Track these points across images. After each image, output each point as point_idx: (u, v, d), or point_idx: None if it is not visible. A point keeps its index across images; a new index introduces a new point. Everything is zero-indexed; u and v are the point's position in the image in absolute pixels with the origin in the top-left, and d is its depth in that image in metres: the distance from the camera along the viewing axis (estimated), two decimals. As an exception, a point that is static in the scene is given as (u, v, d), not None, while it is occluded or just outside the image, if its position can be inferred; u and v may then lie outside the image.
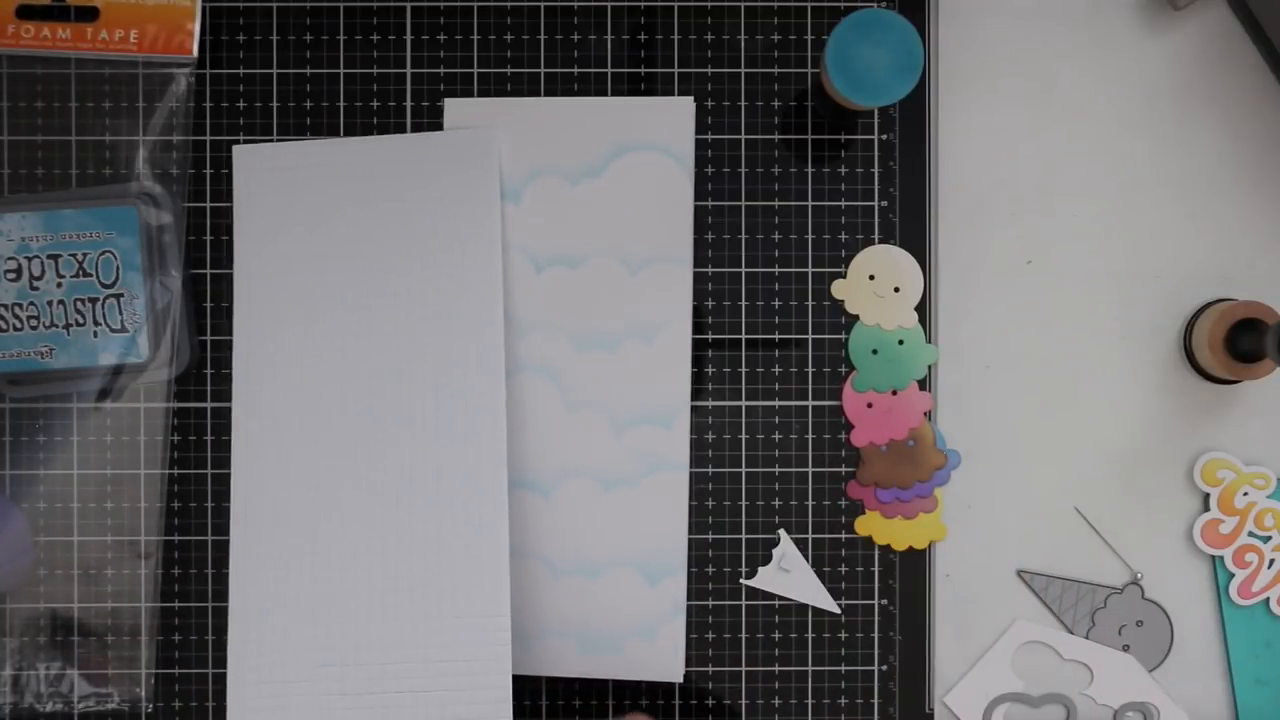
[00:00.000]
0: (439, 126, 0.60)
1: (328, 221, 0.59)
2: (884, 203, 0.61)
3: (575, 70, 0.61)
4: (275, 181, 0.59)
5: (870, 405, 0.60)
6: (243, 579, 0.58)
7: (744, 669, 0.61)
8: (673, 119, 0.60)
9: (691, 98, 0.60)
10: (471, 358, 0.58)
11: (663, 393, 0.60)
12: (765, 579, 0.60)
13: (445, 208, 0.59)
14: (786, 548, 0.60)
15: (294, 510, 0.58)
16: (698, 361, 0.61)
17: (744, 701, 0.61)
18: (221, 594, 0.60)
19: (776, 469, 0.61)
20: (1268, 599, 0.61)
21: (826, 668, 0.61)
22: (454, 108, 0.60)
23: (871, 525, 0.60)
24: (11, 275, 0.58)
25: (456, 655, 0.57)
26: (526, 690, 0.60)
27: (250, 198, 0.59)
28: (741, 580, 0.60)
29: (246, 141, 0.60)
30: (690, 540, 0.60)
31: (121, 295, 0.58)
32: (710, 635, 0.61)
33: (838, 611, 0.60)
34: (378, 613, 0.58)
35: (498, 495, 0.58)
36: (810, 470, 0.61)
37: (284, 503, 0.58)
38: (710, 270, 0.61)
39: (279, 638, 0.58)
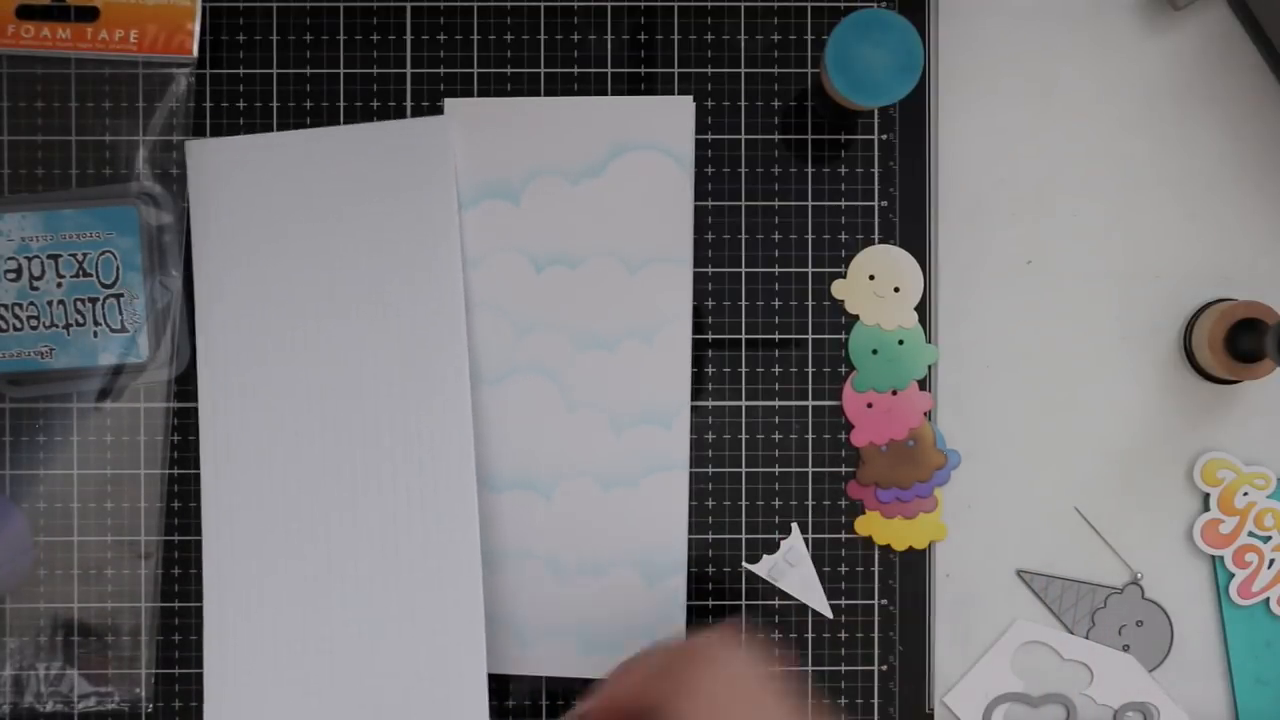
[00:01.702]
0: (439, 126, 0.60)
1: (284, 214, 0.59)
2: (884, 203, 0.61)
3: (575, 70, 0.61)
4: (230, 175, 0.59)
5: (870, 405, 0.60)
6: (217, 582, 0.58)
7: (744, 669, 0.61)
8: (673, 119, 0.60)
9: (691, 97, 0.60)
10: (433, 343, 0.58)
11: (663, 393, 0.60)
12: (765, 567, 0.60)
13: (401, 195, 0.59)
14: (795, 542, 0.60)
15: (264, 510, 0.58)
16: (698, 361, 0.61)
17: (744, 701, 0.61)
18: (221, 594, 0.60)
19: (776, 469, 0.61)
20: (1268, 599, 0.61)
21: (826, 668, 0.61)
22: (454, 108, 0.60)
23: (871, 525, 0.60)
24: (11, 275, 0.58)
25: (431, 657, 0.57)
26: (526, 690, 0.60)
27: (205, 192, 0.59)
28: (742, 564, 0.60)
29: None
30: (690, 540, 0.60)
31: (121, 295, 0.58)
32: (710, 635, 0.61)
33: (830, 615, 0.60)
34: (351, 613, 0.58)
35: (466, 490, 0.58)
36: (810, 470, 0.61)
37: (254, 503, 0.59)
38: (710, 270, 0.61)
39: (254, 641, 0.58)
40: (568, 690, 0.60)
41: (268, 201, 0.59)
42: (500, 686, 0.60)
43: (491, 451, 0.60)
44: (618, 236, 0.60)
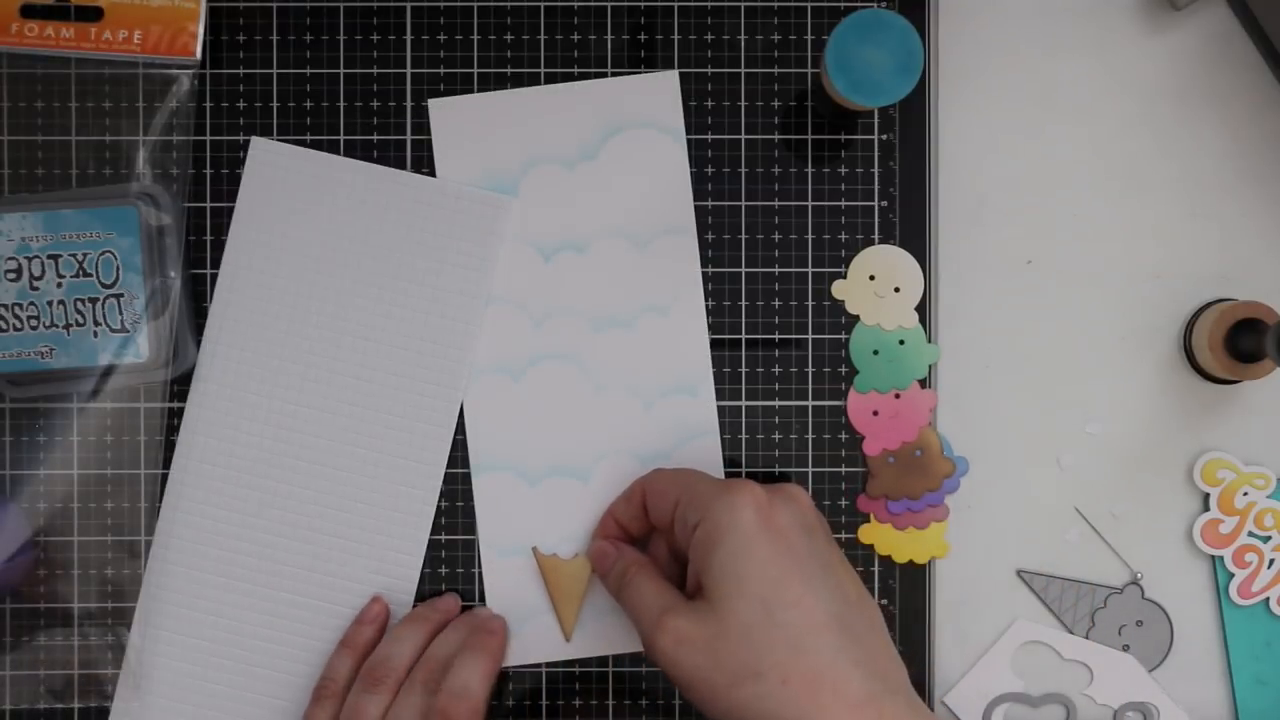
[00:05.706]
0: (439, 126, 0.61)
1: (324, 235, 0.60)
2: (884, 203, 0.61)
3: (575, 70, 0.61)
4: (283, 182, 0.60)
5: (876, 413, 0.60)
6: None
7: (744, 669, 0.60)
8: (660, 92, 0.60)
9: (676, 71, 0.60)
10: (442, 343, 0.60)
11: (685, 362, 0.60)
12: None
13: (441, 260, 0.60)
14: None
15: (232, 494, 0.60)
16: (698, 361, 0.61)
17: (744, 701, 0.60)
18: (221, 594, 0.60)
19: (776, 469, 0.61)
20: (1268, 599, 0.61)
21: (827, 668, 0.61)
22: (440, 106, 0.60)
23: (879, 536, 0.60)
24: (11, 275, 0.58)
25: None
26: (518, 686, 0.60)
27: (254, 191, 0.60)
28: None
29: (246, 141, 0.60)
30: (690, 540, 0.60)
31: (121, 295, 0.58)
32: (710, 635, 0.60)
33: None
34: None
35: (432, 480, 0.60)
36: (810, 470, 0.61)
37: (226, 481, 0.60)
38: (710, 270, 0.61)
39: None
40: (568, 690, 0.60)
41: (308, 214, 0.60)
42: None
43: (524, 444, 0.60)
44: (621, 215, 0.60)
